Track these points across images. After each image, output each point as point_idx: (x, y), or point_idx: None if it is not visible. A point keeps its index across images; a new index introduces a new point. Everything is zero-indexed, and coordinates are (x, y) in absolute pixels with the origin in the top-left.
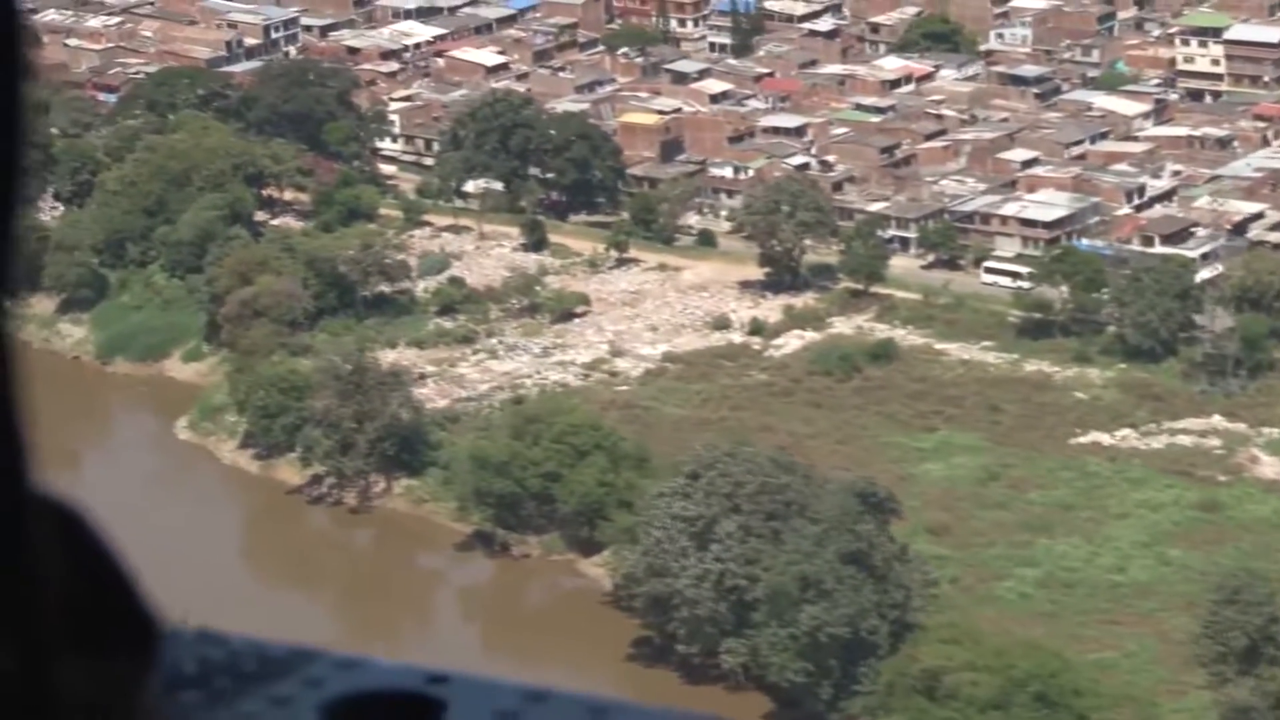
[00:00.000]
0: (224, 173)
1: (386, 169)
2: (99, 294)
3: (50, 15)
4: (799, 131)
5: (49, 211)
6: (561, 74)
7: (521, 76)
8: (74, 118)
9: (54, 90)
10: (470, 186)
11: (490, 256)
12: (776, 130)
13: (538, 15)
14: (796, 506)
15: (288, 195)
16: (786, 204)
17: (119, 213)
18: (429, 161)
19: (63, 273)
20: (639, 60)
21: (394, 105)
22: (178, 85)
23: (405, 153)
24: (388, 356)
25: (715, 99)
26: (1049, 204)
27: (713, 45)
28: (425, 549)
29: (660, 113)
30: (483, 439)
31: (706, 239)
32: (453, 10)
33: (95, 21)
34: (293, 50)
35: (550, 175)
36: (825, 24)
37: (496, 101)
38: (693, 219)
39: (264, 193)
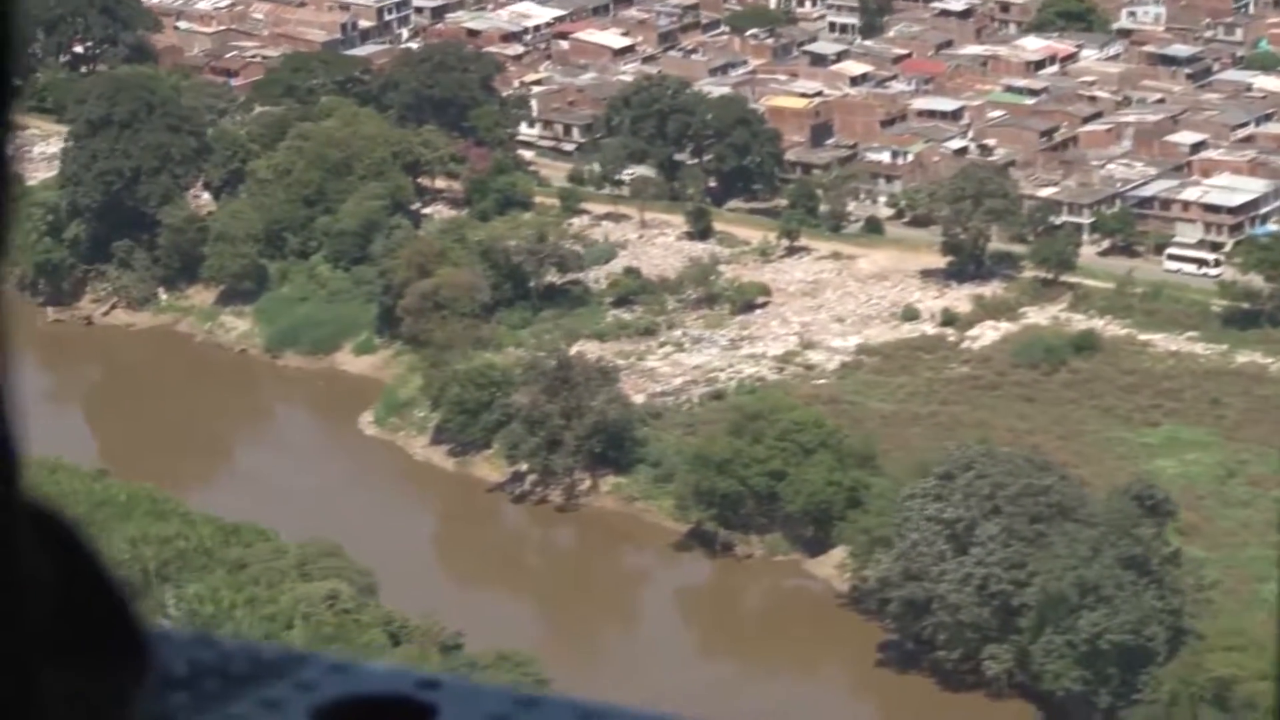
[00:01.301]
0: (384, 161)
1: (524, 155)
2: (259, 285)
3: None
4: (955, 115)
5: (194, 201)
6: (693, 56)
7: (648, 59)
8: (208, 103)
9: (181, 74)
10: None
11: (655, 245)
12: (931, 114)
13: None
14: (1060, 509)
15: (439, 183)
16: (972, 192)
17: (277, 202)
18: (568, 147)
19: (224, 264)
20: (769, 42)
21: (516, 89)
22: (313, 70)
23: (543, 138)
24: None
25: (855, 81)
26: (1232, 189)
27: (833, 25)
28: (639, 549)
29: (803, 96)
30: (690, 434)
31: (873, 226)
32: None
33: (205, 4)
34: (405, 32)
35: (706, 161)
36: (958, 3)
37: (653, 86)
38: (849, 205)
39: (416, 181)
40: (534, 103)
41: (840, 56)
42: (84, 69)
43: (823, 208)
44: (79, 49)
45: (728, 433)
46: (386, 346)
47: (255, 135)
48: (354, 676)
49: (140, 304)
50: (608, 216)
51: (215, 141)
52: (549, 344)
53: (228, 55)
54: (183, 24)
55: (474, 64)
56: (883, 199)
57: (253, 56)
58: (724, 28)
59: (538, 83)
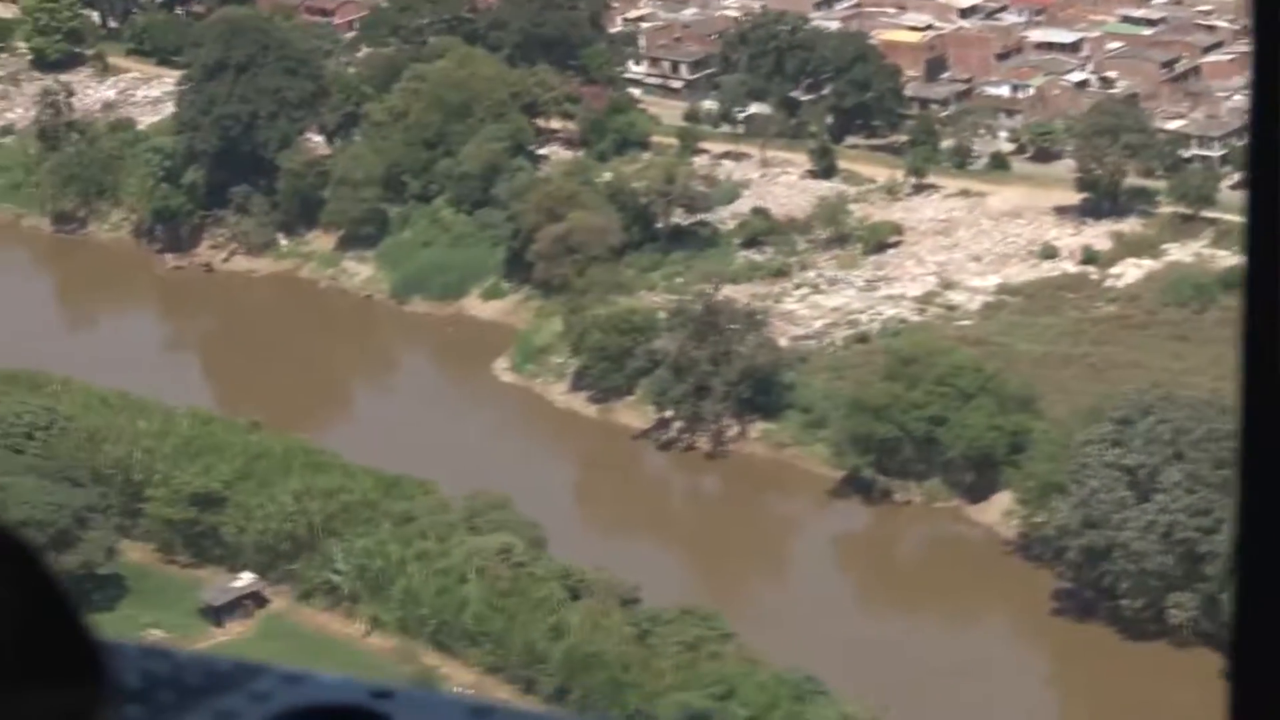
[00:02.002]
0: (503, 103)
1: (631, 93)
2: (380, 230)
3: None
4: (1073, 47)
5: (306, 145)
6: None
7: None
8: (314, 45)
9: (284, 14)
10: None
11: (778, 184)
12: (1049, 46)
13: None
14: None
15: (554, 124)
16: (1108, 126)
17: (395, 145)
18: (676, 84)
19: (345, 209)
20: None
21: (625, 26)
22: (418, 9)
23: (650, 75)
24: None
25: (965, 14)
26: None
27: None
28: (793, 496)
29: (914, 29)
30: (838, 379)
31: (999, 162)
32: None
33: None
34: None
35: (823, 98)
36: None
37: (770, 22)
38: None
39: (532, 122)
40: (641, 40)
41: None
42: (179, 10)
43: (945, 144)
44: None
45: (883, 378)
46: (515, 291)
47: (367, 77)
48: (307, 687)
49: (260, 250)
50: (727, 155)
51: (331, 84)
52: (679, 287)
53: None
54: None
55: (582, 1)
56: (1003, 134)
57: None
58: None
59: (640, 19)
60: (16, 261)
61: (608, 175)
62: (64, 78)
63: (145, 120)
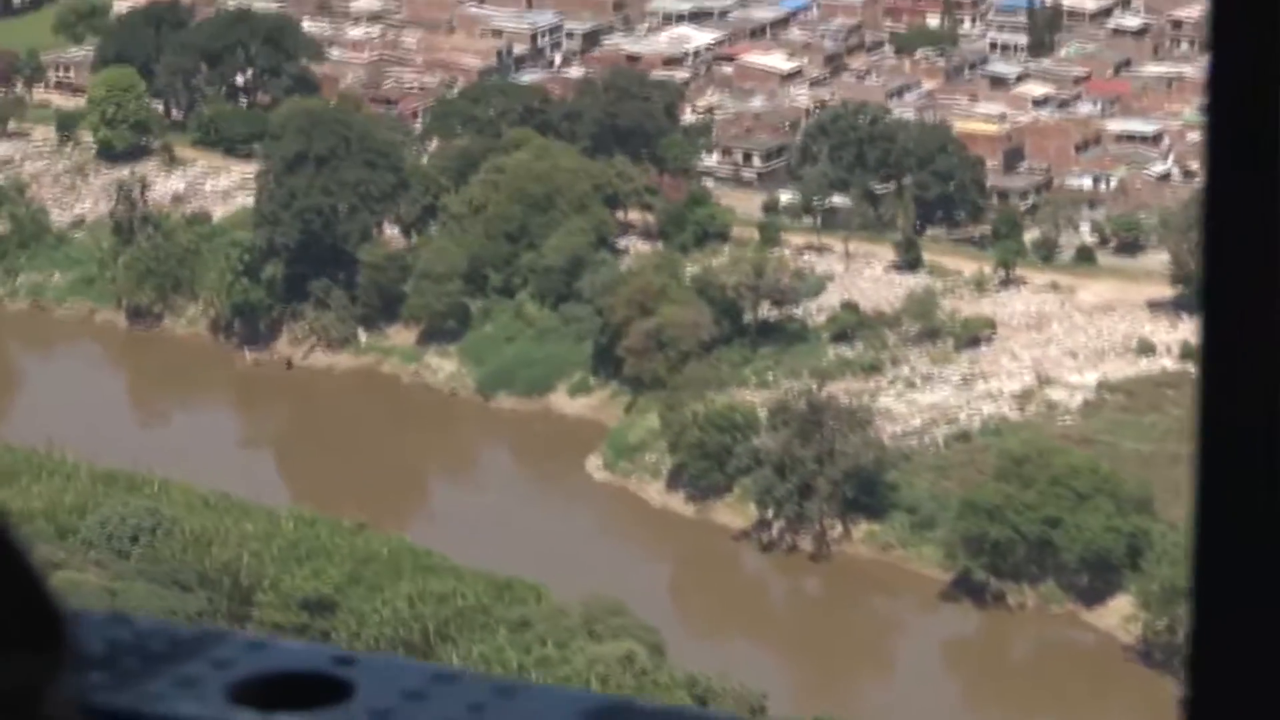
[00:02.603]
0: (585, 195)
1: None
2: (462, 324)
3: (305, 25)
4: (1153, 138)
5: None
6: (867, 80)
7: (817, 82)
8: (386, 137)
9: (354, 106)
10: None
11: (863, 278)
12: (1129, 137)
13: (812, 16)
14: None
15: (632, 215)
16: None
17: (476, 238)
18: (748, 175)
19: (428, 303)
20: (941, 63)
21: (698, 116)
22: (491, 100)
23: (722, 165)
24: (792, 387)
25: (1037, 103)
26: None
27: (994, 45)
28: (903, 598)
29: (988, 119)
30: (944, 479)
31: (1085, 254)
32: (723, 14)
33: (356, 32)
34: (558, 58)
35: (903, 190)
36: (1132, 21)
37: (851, 113)
38: (1040, 231)
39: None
40: (714, 130)
41: (1020, 78)
42: (244, 100)
43: (1028, 236)
44: (240, 80)
45: (994, 478)
46: (603, 387)
47: (442, 169)
48: (270, 653)
49: (340, 345)
50: (808, 248)
51: (411, 177)
52: (772, 383)
53: (386, 84)
54: (334, 52)
55: (656, 91)
56: (1086, 226)
57: (411, 85)
58: (889, 48)
59: (709, 110)
60: (94, 357)
61: (693, 268)
62: (131, 170)
63: (217, 212)
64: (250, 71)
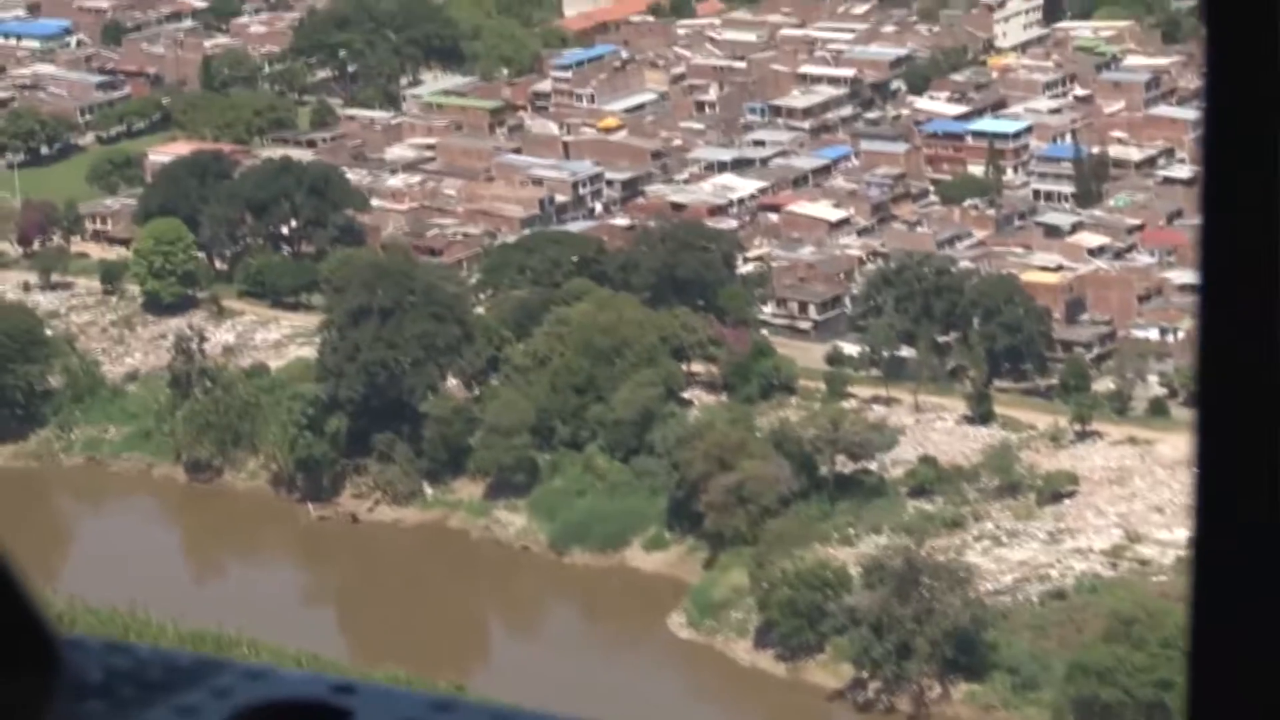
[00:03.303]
0: (653, 347)
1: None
2: (530, 478)
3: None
4: None
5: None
6: (918, 229)
7: (865, 231)
8: (450, 289)
9: (402, 255)
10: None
11: (935, 430)
12: (1192, 288)
13: (853, 164)
14: None
15: (695, 367)
16: None
17: (543, 391)
18: (803, 325)
19: (496, 456)
20: (991, 213)
21: (755, 265)
22: (545, 250)
23: (777, 316)
24: (875, 544)
25: (1094, 253)
26: None
27: (1037, 193)
28: None
29: (1044, 269)
30: (1043, 638)
31: (1159, 407)
32: (764, 162)
33: (394, 181)
34: (599, 206)
35: (968, 341)
36: (1180, 171)
37: (916, 264)
38: (1112, 383)
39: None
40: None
41: (1075, 228)
42: (288, 249)
43: (1098, 387)
44: (284, 230)
45: (1103, 639)
46: (679, 542)
47: (502, 319)
48: (270, 683)
49: (406, 499)
50: (875, 400)
51: (476, 329)
52: (853, 538)
53: (429, 234)
54: (373, 201)
55: (714, 241)
56: (1153, 378)
57: (455, 234)
58: (934, 197)
59: (759, 259)
60: (156, 512)
61: (762, 420)
62: (178, 321)
63: (270, 364)
64: (295, 221)
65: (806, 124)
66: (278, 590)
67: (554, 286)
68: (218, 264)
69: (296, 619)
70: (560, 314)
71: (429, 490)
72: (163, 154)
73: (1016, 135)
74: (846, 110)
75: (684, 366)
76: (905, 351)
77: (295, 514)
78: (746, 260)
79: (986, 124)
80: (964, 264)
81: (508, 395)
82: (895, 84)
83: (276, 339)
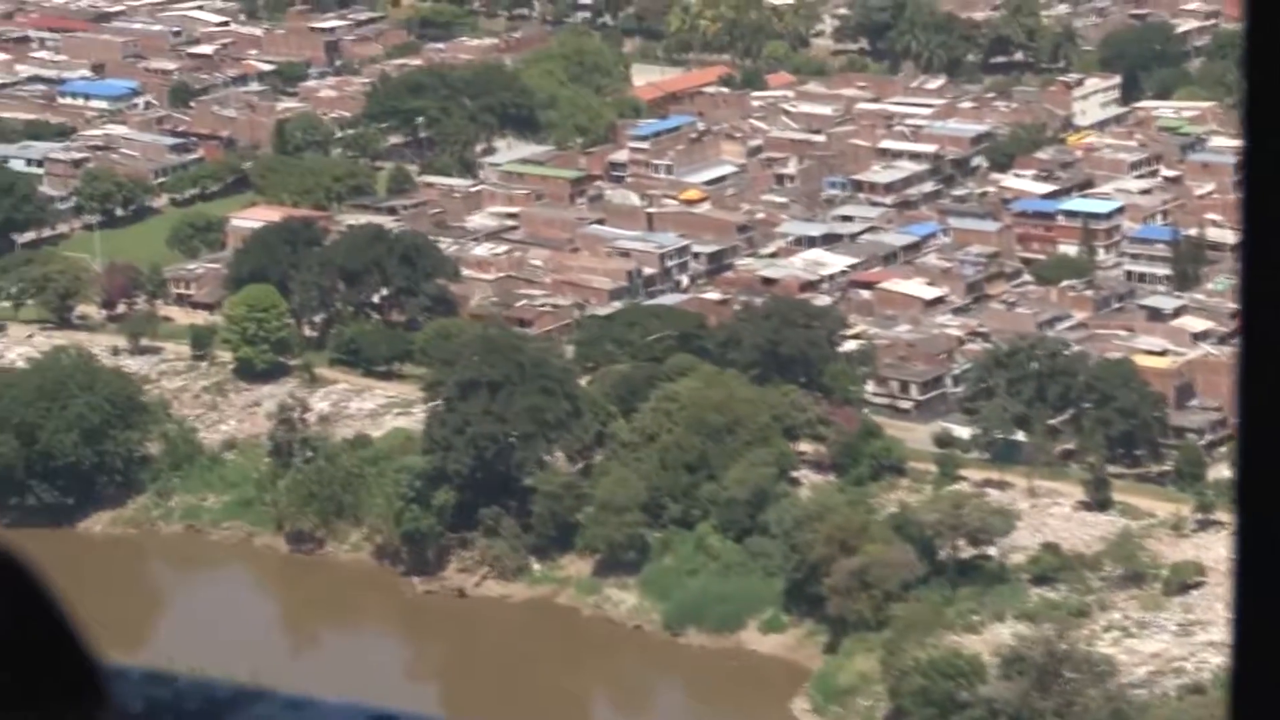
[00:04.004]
0: (767, 425)
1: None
2: (640, 555)
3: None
4: None
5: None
6: (1017, 309)
7: (960, 310)
8: (550, 361)
9: (497, 326)
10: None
11: (1052, 516)
12: None
13: (943, 241)
14: None
15: (802, 445)
16: None
17: (652, 468)
18: (904, 405)
19: (607, 533)
20: (1089, 294)
21: (859, 343)
22: (647, 325)
23: (877, 394)
24: (999, 632)
25: (1198, 337)
26: None
27: (1130, 274)
28: None
29: (1150, 353)
30: None
31: None
32: (853, 237)
33: (480, 250)
34: (684, 279)
35: (1081, 424)
36: None
37: (1029, 347)
38: (1227, 470)
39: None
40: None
41: (1179, 311)
42: (376, 316)
43: (1213, 474)
44: (374, 297)
45: None
46: (797, 625)
47: (605, 394)
48: (308, 713)
49: (513, 574)
50: (988, 484)
51: (584, 403)
52: (977, 625)
53: (518, 304)
54: (462, 271)
55: (817, 318)
56: None
57: (543, 305)
58: (1027, 277)
59: (856, 336)
60: (259, 582)
61: (873, 501)
62: (270, 388)
63: (374, 434)
64: (385, 289)
65: (888, 199)
66: (385, 661)
67: (655, 361)
68: (306, 331)
69: (404, 692)
70: (666, 390)
71: (536, 566)
72: (244, 219)
73: (1109, 215)
74: (928, 186)
75: (793, 445)
76: (1025, 435)
77: (400, 587)
78: (846, 338)
79: (1078, 203)
80: (1075, 347)
81: (618, 471)
82: (976, 160)
83: (371, 408)
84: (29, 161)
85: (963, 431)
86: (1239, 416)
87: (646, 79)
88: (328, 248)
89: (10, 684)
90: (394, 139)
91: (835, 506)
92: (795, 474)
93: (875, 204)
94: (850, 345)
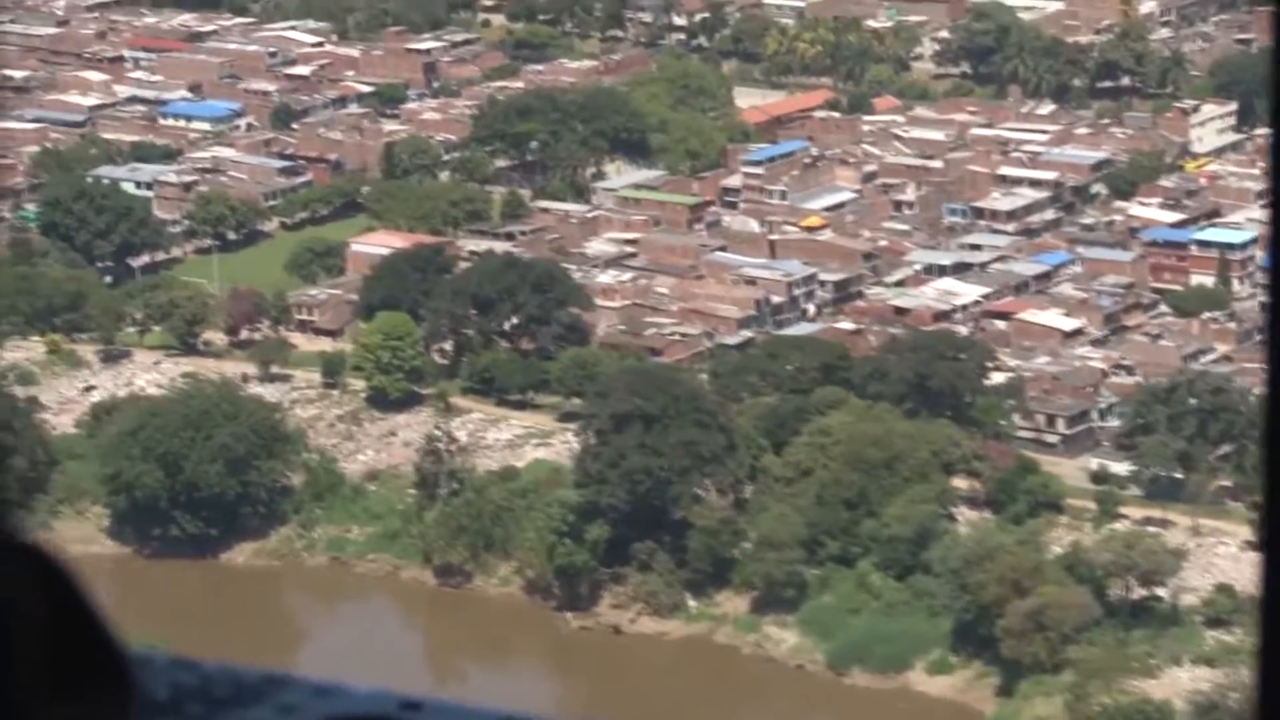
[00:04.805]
0: (926, 462)
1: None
2: (799, 593)
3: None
4: None
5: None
6: (1160, 342)
7: (1099, 342)
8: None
9: (636, 356)
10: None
11: (1218, 556)
12: None
13: (1074, 270)
14: None
15: (957, 482)
16: None
17: (808, 504)
18: (1050, 439)
19: (767, 570)
20: (1231, 326)
21: (1006, 376)
22: (788, 357)
23: (1022, 429)
24: (1177, 676)
25: None
26: None
27: (1264, 305)
28: None
29: None
30: None
31: None
32: (983, 266)
33: (605, 277)
34: (811, 308)
35: (1240, 462)
36: None
37: (1191, 382)
38: None
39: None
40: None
41: None
42: (506, 345)
43: None
44: (505, 326)
45: None
46: (965, 666)
47: (755, 428)
48: (336, 699)
49: (668, 611)
50: (1148, 521)
51: (738, 437)
52: (1153, 669)
53: (647, 332)
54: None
55: (966, 351)
56: None
57: (672, 334)
58: (1164, 308)
59: (999, 369)
60: (407, 615)
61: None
62: (405, 417)
63: (515, 464)
64: (516, 318)
65: (1010, 226)
66: (538, 697)
67: (800, 393)
68: (436, 359)
69: None
70: (819, 424)
71: (691, 602)
72: (364, 244)
73: (1244, 246)
74: (1049, 213)
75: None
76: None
77: (552, 622)
78: (994, 371)
79: (1211, 233)
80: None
81: (775, 507)
82: (1095, 188)
83: (508, 438)
84: (138, 184)
85: (1119, 467)
86: (1265, 431)
87: (748, 102)
88: (459, 275)
89: (46, 675)
90: (500, 163)
91: (1003, 546)
92: (951, 510)
93: (997, 231)
94: (997, 378)
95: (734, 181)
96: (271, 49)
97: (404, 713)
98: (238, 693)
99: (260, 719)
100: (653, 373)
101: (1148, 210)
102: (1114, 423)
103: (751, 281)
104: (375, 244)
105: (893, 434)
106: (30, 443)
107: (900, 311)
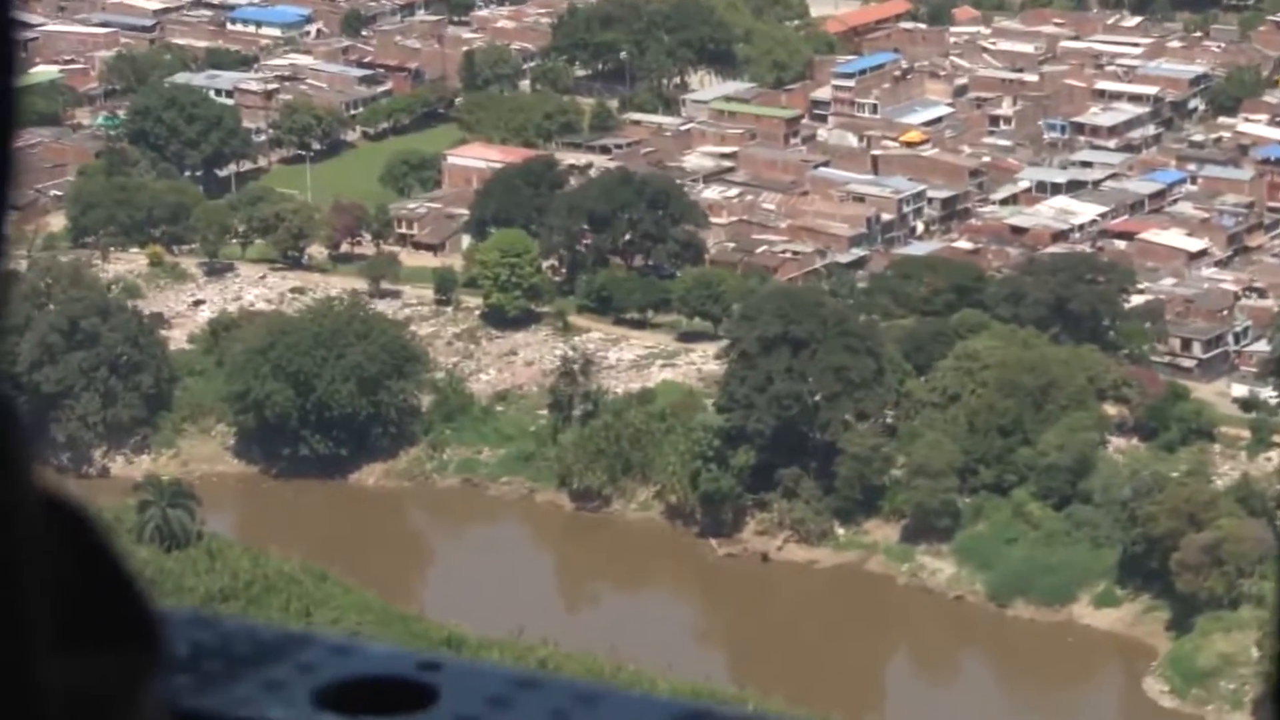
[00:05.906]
0: (1083, 389)
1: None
2: (952, 521)
3: None
4: None
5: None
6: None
7: (1222, 263)
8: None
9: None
10: None
11: None
12: None
13: (1189, 188)
14: None
15: (1105, 408)
16: None
17: (961, 430)
18: (1186, 363)
19: (920, 498)
20: None
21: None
22: (919, 277)
23: (1158, 352)
24: None
25: None
26: None
27: None
28: None
29: None
30: None
31: None
32: (1096, 184)
33: (710, 193)
34: (920, 226)
35: None
36: None
37: None
38: None
39: None
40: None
41: None
42: (618, 262)
43: None
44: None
45: None
46: (1133, 599)
47: (898, 351)
48: (356, 658)
49: (816, 538)
50: None
51: (888, 362)
52: None
53: (758, 250)
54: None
55: (1110, 273)
56: None
57: (784, 252)
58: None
59: (1140, 291)
60: (546, 539)
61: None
62: (523, 335)
63: (630, 386)
64: (630, 235)
65: (1111, 143)
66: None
67: (935, 315)
68: (550, 276)
69: (694, 658)
70: (965, 348)
71: (840, 530)
72: (459, 156)
73: None
74: (1150, 129)
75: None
76: None
77: (695, 548)
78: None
79: None
80: None
81: (929, 434)
82: (1192, 103)
83: (631, 358)
84: (218, 92)
85: (1270, 393)
86: None
87: (822, 11)
88: (574, 191)
89: (67, 626)
90: (579, 73)
91: (1172, 477)
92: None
93: (1097, 147)
94: (1134, 301)
95: (823, 94)
96: None
97: (422, 672)
98: (256, 650)
99: (280, 676)
100: (799, 294)
101: (1255, 127)
102: (1250, 346)
103: (860, 198)
104: (469, 155)
105: (1047, 359)
106: (155, 360)
107: (1016, 230)
